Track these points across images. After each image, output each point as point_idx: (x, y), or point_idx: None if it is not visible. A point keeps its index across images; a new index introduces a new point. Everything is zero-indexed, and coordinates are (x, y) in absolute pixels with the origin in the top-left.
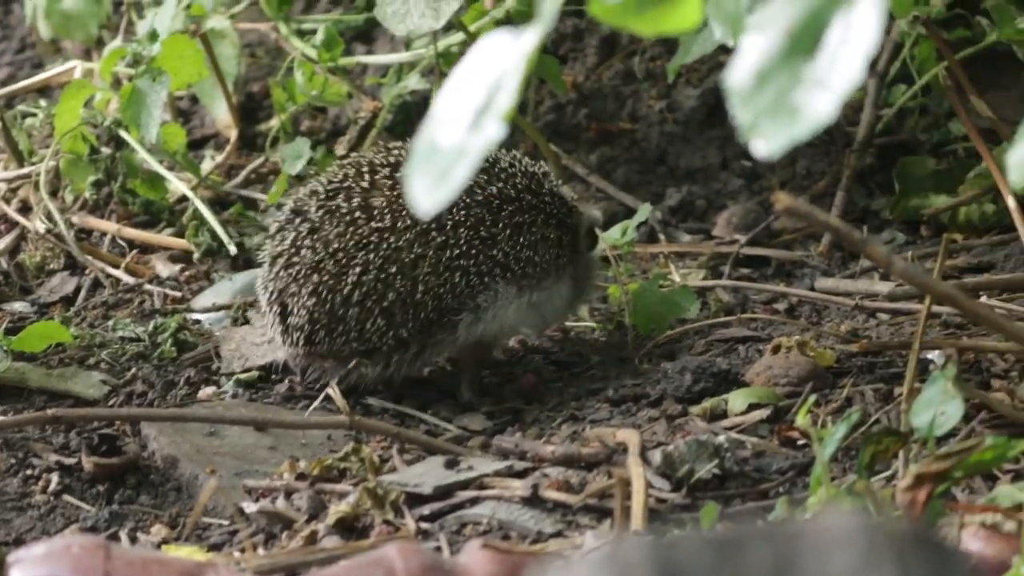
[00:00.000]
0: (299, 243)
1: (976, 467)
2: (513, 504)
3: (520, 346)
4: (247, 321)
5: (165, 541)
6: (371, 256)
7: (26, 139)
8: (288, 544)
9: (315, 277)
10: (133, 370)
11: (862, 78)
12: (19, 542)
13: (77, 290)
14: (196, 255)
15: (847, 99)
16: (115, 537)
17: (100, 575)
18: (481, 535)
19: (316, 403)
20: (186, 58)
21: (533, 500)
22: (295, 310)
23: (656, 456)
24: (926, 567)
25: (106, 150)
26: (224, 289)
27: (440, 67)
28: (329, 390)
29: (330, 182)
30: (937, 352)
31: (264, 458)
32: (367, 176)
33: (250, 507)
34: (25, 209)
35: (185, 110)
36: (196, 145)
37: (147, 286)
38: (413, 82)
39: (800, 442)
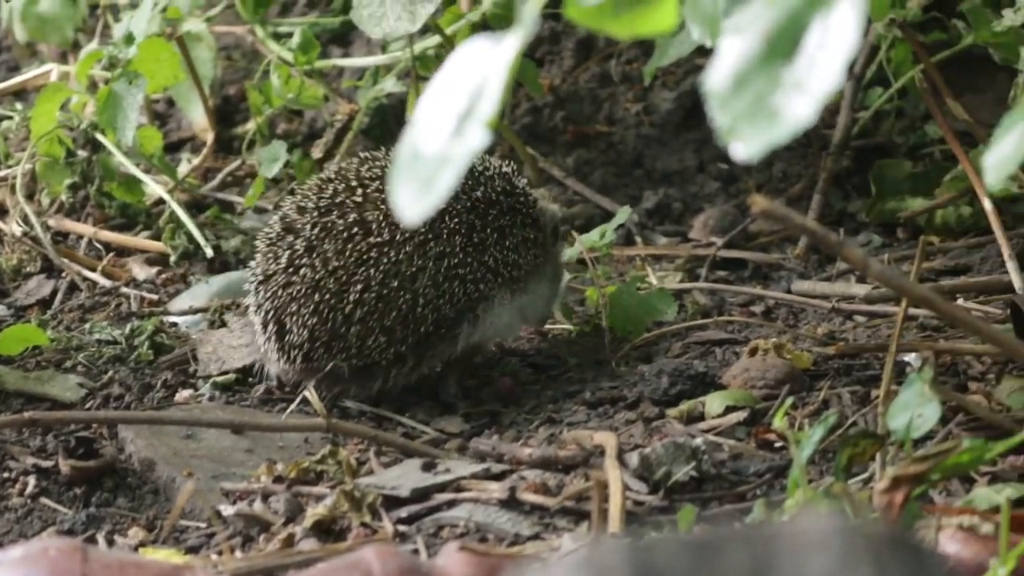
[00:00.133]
0: (296, 261)
1: (953, 469)
2: (490, 506)
3: (497, 349)
4: (224, 324)
5: (142, 544)
6: (372, 272)
7: (2, 142)
8: (265, 547)
9: (316, 296)
10: (110, 373)
11: (841, 81)
12: None
13: (54, 293)
14: (173, 258)
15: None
16: (92, 540)
17: None
18: (458, 537)
19: (293, 406)
20: (162, 61)
21: (510, 502)
22: (294, 329)
23: (633, 458)
24: (903, 570)
25: (82, 153)
26: (201, 292)
27: (416, 70)
28: (306, 393)
29: (321, 198)
30: (914, 355)
31: (241, 461)
32: (359, 191)
33: (227, 510)
34: (1, 212)
35: (161, 113)
36: (172, 148)
37: (124, 289)
38: (389, 85)
39: (777, 444)
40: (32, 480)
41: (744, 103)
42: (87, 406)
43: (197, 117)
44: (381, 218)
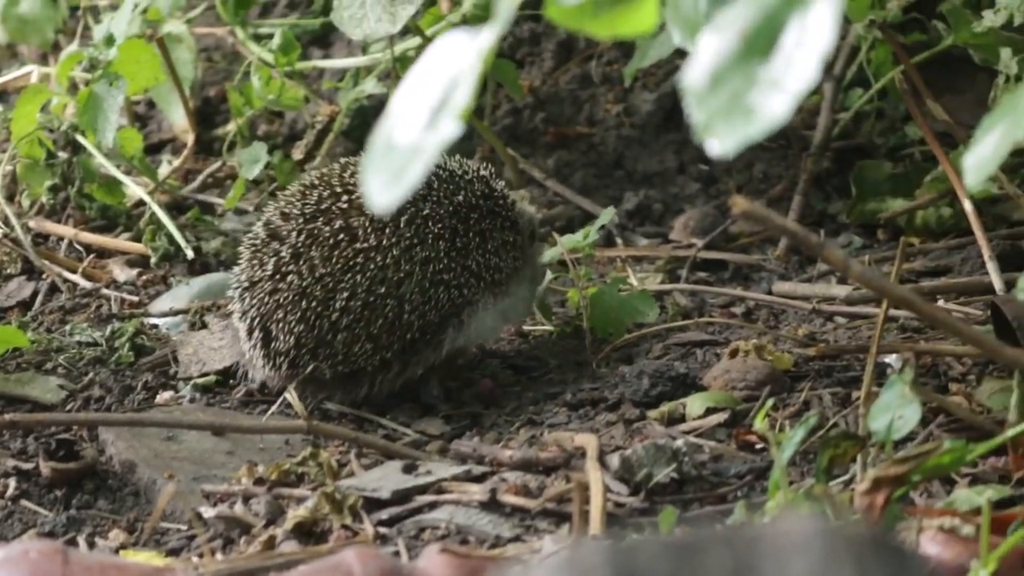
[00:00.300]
0: (282, 268)
1: (934, 471)
2: (471, 508)
3: (478, 351)
4: (205, 325)
5: (123, 546)
6: (358, 278)
7: None
8: (246, 549)
9: (302, 303)
10: (90, 375)
11: (817, 80)
12: None
13: (34, 295)
14: (153, 259)
15: (802, 101)
16: (73, 542)
17: None
18: (439, 539)
19: (274, 408)
20: (143, 62)
21: (491, 504)
22: (280, 336)
23: (614, 460)
24: (884, 571)
25: (63, 155)
26: (181, 293)
27: (397, 71)
28: (287, 395)
29: (305, 204)
30: (894, 356)
31: (222, 463)
32: (344, 197)
33: (208, 512)
34: None
35: (142, 115)
36: (153, 149)
37: (104, 291)
38: (370, 86)
39: (758, 446)
40: (12, 482)
41: (721, 100)
42: (68, 408)
43: (177, 119)
44: (367, 224)
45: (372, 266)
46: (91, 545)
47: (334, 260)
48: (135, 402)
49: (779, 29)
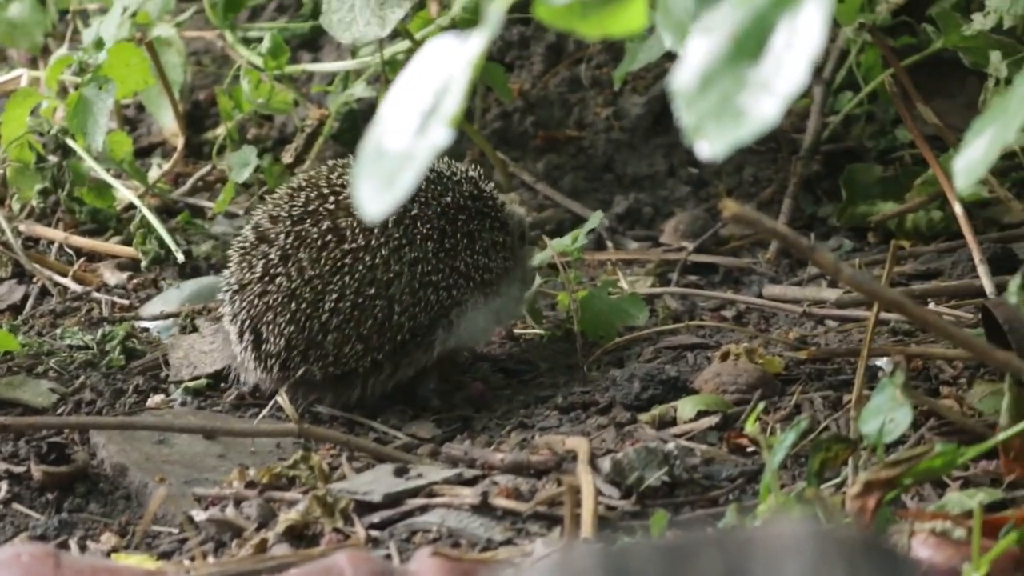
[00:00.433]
0: (271, 271)
1: (925, 474)
2: (463, 512)
3: (469, 354)
4: (195, 329)
5: (115, 549)
6: (347, 279)
7: None
8: (238, 552)
9: (292, 305)
10: (81, 378)
11: (807, 82)
12: None
13: (25, 298)
14: (144, 263)
15: (792, 104)
16: (64, 545)
17: None
18: (431, 543)
19: (265, 411)
20: (132, 66)
21: (483, 508)
22: (271, 338)
23: (605, 463)
24: (876, 574)
25: (53, 158)
26: (172, 297)
27: (386, 75)
28: (278, 398)
29: (293, 207)
30: (885, 359)
31: (213, 466)
32: (331, 198)
33: (199, 515)
34: None
35: (132, 118)
36: (143, 153)
37: (95, 294)
38: (359, 90)
39: (749, 449)
40: (4, 486)
41: (710, 103)
42: (59, 411)
43: (167, 122)
44: (355, 225)
45: (361, 267)
46: (83, 548)
47: (323, 261)
48: (126, 405)
49: (768, 31)
